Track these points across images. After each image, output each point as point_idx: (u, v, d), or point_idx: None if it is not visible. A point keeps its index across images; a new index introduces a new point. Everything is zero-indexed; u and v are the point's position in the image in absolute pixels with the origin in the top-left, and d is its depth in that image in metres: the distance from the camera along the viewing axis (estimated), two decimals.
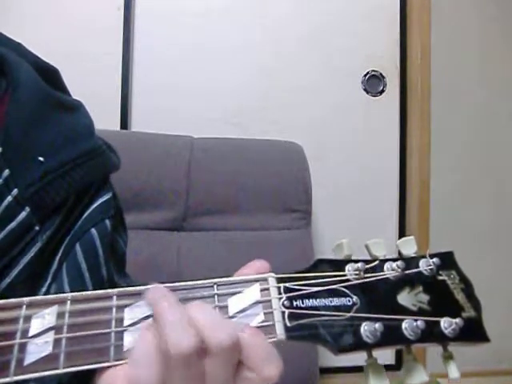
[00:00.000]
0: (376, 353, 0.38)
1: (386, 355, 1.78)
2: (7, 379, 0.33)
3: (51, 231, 0.52)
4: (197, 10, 1.91)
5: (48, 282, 0.52)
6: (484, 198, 2.07)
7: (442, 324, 0.37)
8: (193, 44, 1.91)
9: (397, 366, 1.78)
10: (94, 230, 0.54)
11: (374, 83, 2.02)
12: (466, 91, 2.07)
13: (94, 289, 0.50)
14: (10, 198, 0.49)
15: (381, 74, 2.02)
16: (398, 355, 1.87)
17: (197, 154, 1.59)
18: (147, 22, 1.88)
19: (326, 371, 1.87)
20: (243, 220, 1.57)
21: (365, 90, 2.01)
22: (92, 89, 1.70)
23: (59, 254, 0.53)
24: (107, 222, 0.56)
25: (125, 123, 1.85)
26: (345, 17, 2.00)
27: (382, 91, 2.02)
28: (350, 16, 2.00)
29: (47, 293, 0.51)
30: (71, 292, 0.47)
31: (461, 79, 2.07)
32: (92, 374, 0.37)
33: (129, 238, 0.64)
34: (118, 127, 1.84)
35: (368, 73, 2.01)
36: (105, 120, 1.67)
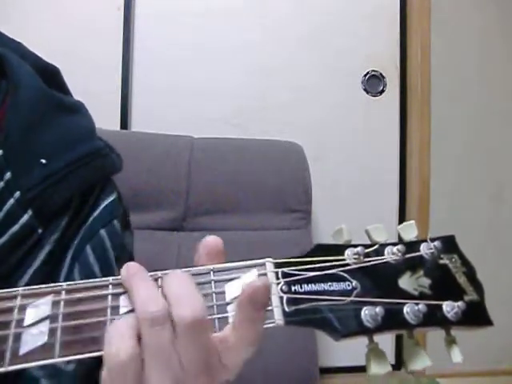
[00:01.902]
0: (377, 339, 0.37)
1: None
2: (2, 369, 0.33)
3: (58, 234, 0.51)
4: (197, 10, 1.91)
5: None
6: (484, 198, 2.07)
7: (444, 308, 0.37)
8: (193, 44, 1.91)
9: (397, 366, 1.77)
10: (103, 231, 0.54)
11: (374, 83, 2.02)
12: (466, 91, 2.07)
13: None
14: (12, 201, 0.49)
15: (381, 74, 2.01)
16: (398, 355, 1.86)
17: (197, 154, 1.59)
18: (147, 22, 1.89)
19: (326, 371, 1.86)
20: (243, 220, 1.57)
21: (365, 90, 2.01)
22: (92, 89, 1.70)
23: (69, 256, 0.52)
24: (116, 222, 0.56)
25: (125, 123, 1.85)
26: (345, 17, 2.00)
27: (382, 91, 2.02)
28: (350, 16, 2.00)
29: None
30: None
31: (461, 79, 2.06)
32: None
33: None
34: (118, 127, 1.84)
35: (368, 73, 2.01)
36: (105, 120, 1.67)
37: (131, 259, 0.61)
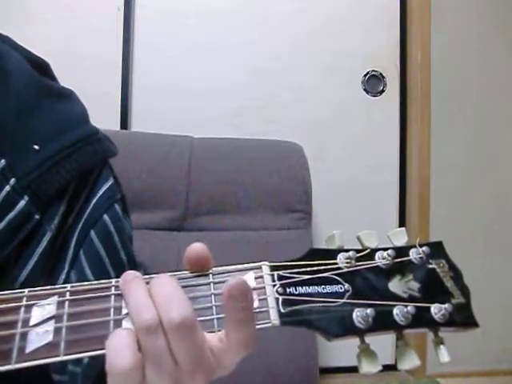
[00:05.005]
0: (369, 340, 0.38)
1: (385, 355, 1.77)
2: (9, 366, 0.34)
3: (58, 219, 0.52)
4: (197, 10, 1.91)
5: (66, 269, 0.52)
6: (484, 197, 2.07)
7: (432, 310, 0.38)
8: (193, 44, 1.91)
9: (397, 367, 1.76)
10: (106, 216, 0.55)
11: (374, 83, 2.02)
12: (466, 91, 2.07)
13: (116, 273, 0.52)
14: (7, 188, 0.49)
15: (381, 73, 2.02)
16: None
17: (197, 153, 1.59)
18: (147, 22, 1.89)
19: (326, 371, 1.87)
20: (243, 220, 1.57)
21: (365, 90, 2.01)
22: (92, 89, 1.70)
23: (73, 242, 0.53)
24: (116, 206, 0.56)
25: (125, 123, 1.86)
26: (345, 17, 2.00)
27: (382, 91, 2.03)
28: (350, 16, 2.00)
29: (67, 280, 0.52)
30: (95, 278, 0.48)
31: (461, 79, 2.07)
32: None
33: None
34: (118, 127, 1.84)
35: (368, 73, 2.01)
36: (105, 120, 1.67)
37: (131, 242, 0.62)
